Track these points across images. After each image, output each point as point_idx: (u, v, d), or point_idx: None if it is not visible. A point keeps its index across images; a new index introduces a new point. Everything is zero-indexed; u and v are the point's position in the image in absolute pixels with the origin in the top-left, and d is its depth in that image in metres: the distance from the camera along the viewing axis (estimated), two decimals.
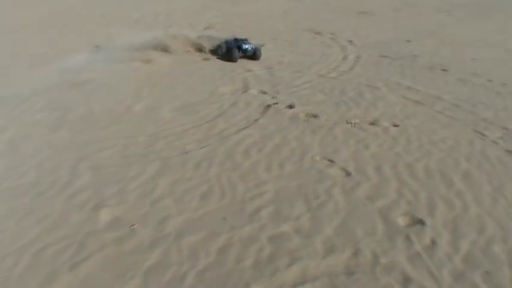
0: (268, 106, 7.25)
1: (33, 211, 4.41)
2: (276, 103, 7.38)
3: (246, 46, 9.89)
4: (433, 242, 4.11)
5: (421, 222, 4.40)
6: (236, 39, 10.12)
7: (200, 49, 10.31)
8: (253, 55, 10.00)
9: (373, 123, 6.70)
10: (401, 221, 4.42)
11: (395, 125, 6.64)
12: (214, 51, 10.23)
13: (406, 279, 3.66)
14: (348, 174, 5.25)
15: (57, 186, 4.84)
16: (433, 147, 5.99)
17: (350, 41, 12.11)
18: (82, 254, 3.85)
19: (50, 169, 5.19)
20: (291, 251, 3.94)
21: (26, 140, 5.89)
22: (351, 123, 6.68)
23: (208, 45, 10.32)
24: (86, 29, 12.66)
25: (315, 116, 6.90)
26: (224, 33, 11.71)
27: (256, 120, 6.71)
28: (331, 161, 5.55)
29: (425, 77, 9.11)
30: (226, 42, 10.12)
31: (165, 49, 9.93)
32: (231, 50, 9.85)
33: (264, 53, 10.36)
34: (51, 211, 4.42)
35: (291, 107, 7.18)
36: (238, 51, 9.83)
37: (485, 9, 17.02)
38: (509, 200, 4.84)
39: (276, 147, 5.87)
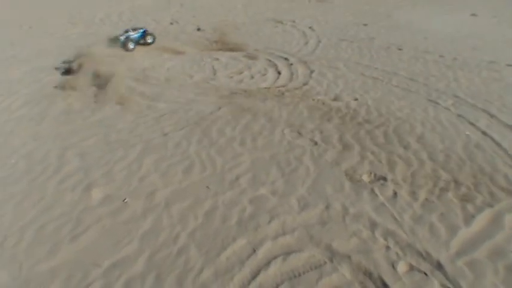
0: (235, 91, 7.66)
1: (28, 195, 4.69)
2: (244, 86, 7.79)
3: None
4: (395, 193, 4.64)
5: (383, 178, 4.92)
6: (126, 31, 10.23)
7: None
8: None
9: (335, 99, 7.19)
10: (366, 178, 4.94)
11: (356, 99, 7.17)
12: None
13: (373, 224, 4.17)
14: (315, 143, 5.73)
15: (48, 172, 5.12)
16: (390, 115, 6.55)
17: (310, 28, 12.62)
18: (80, 228, 4.18)
19: (39, 158, 5.44)
20: (269, 209, 4.39)
21: (11, 135, 6.10)
22: (314, 99, 7.16)
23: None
24: (51, 30, 12.68)
25: (282, 95, 7.35)
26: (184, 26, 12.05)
27: (227, 102, 7.11)
28: (299, 133, 6.01)
29: (381, 56, 9.69)
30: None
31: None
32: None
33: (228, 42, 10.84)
34: (45, 194, 4.71)
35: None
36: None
37: None
38: (460, 155, 5.42)
39: (248, 124, 6.29)
